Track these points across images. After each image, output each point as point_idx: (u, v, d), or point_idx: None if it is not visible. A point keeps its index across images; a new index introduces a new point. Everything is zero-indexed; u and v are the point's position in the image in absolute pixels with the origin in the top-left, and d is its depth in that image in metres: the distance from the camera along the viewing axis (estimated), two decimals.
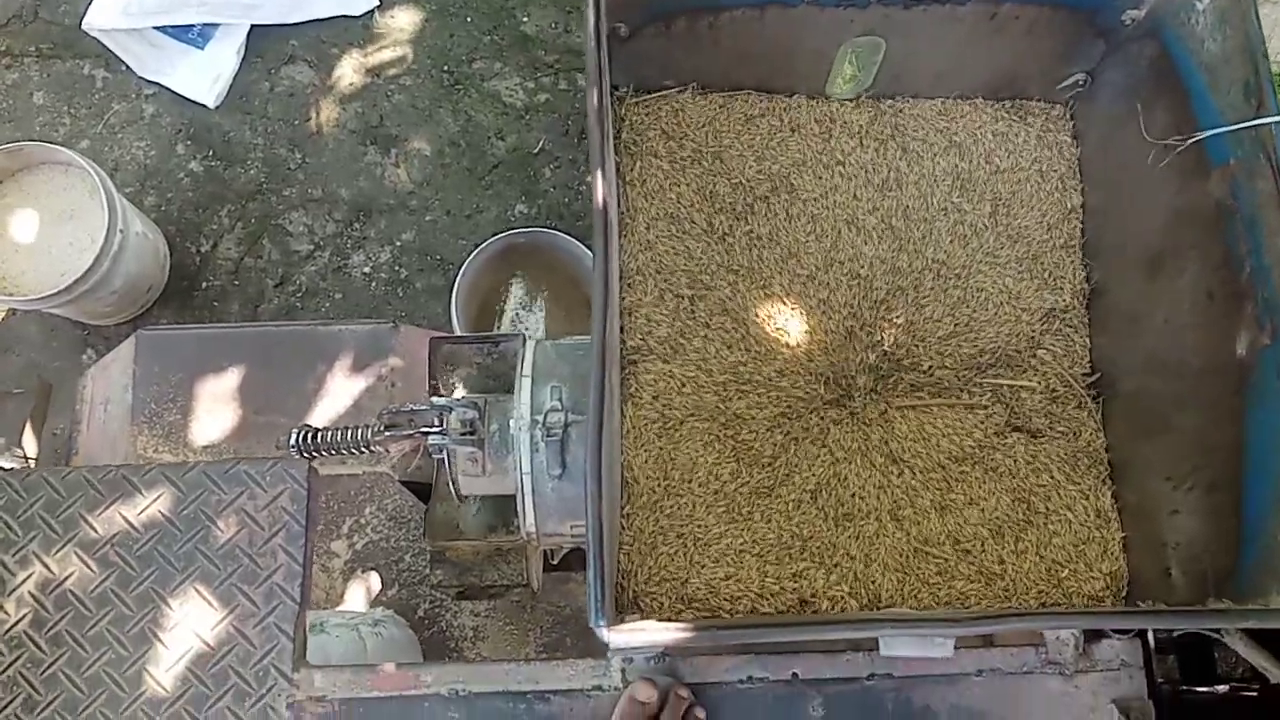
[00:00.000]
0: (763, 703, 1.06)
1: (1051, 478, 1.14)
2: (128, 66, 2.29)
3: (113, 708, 1.06)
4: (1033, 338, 1.20)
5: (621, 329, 1.16)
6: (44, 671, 1.07)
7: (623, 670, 1.06)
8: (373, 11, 2.34)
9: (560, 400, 1.04)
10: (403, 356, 1.56)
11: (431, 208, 2.24)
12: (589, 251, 1.93)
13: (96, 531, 1.12)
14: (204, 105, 2.27)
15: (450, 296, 1.94)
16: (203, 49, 2.28)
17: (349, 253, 2.22)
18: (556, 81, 2.32)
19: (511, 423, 1.04)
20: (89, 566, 1.11)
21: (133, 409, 1.52)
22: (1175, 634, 1.06)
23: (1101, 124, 1.22)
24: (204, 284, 2.21)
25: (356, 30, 2.34)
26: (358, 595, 1.52)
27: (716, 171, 1.22)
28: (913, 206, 1.22)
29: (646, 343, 1.16)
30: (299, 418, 1.52)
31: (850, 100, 1.26)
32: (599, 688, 1.06)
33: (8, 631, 1.09)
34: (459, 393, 1.11)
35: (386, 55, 2.33)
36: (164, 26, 2.26)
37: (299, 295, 2.20)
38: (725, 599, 1.07)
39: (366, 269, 2.22)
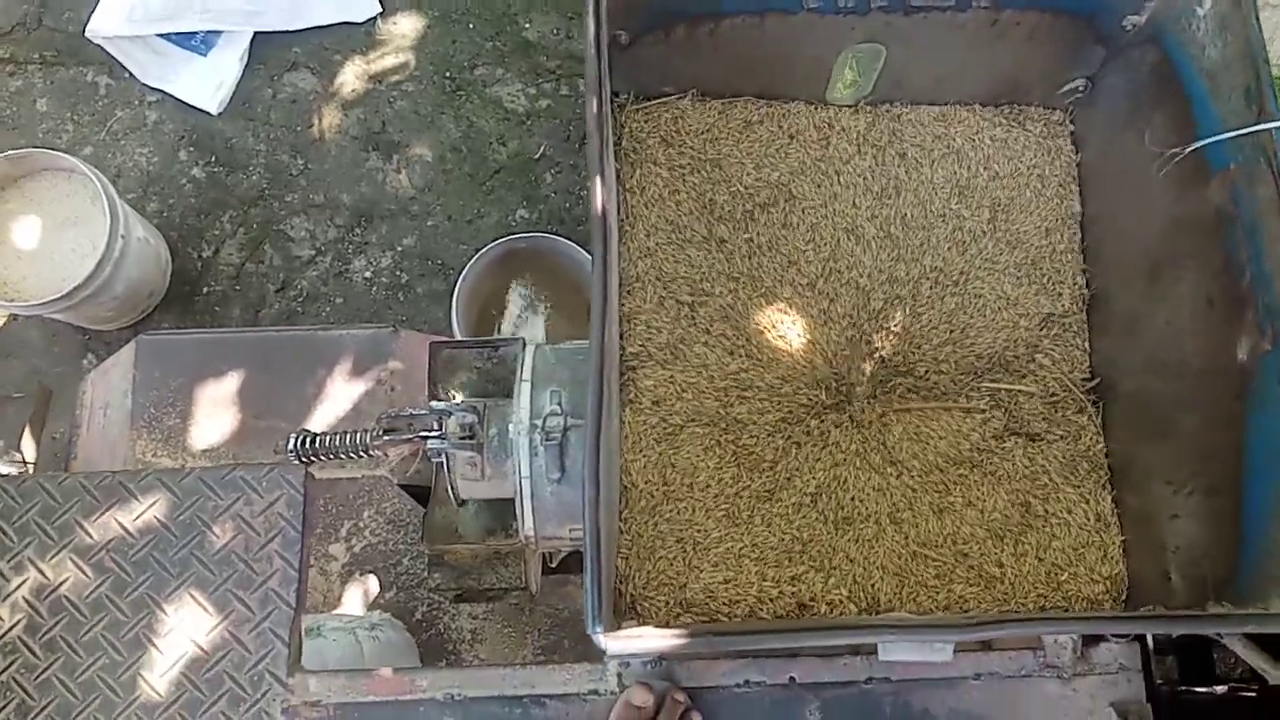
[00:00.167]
0: (760, 707, 1.05)
1: (1051, 481, 1.14)
2: (131, 73, 2.30)
3: (107, 713, 1.06)
4: (1032, 343, 1.19)
5: (621, 335, 1.15)
6: (38, 677, 1.07)
7: (619, 674, 1.05)
8: (375, 18, 2.35)
9: (560, 405, 1.04)
10: (403, 361, 1.56)
11: (433, 213, 2.25)
12: (590, 256, 1.93)
13: (92, 537, 1.12)
14: (207, 112, 2.28)
15: (451, 301, 1.94)
16: (206, 56, 2.29)
17: (350, 258, 2.23)
18: (558, 87, 2.33)
19: (511, 427, 1.03)
20: (84, 572, 1.11)
21: (132, 414, 1.52)
22: (1174, 635, 1.05)
23: (1102, 130, 1.22)
24: (205, 289, 2.21)
25: (359, 37, 2.35)
26: (355, 598, 1.52)
27: (716, 179, 1.22)
28: (911, 214, 1.22)
29: (646, 349, 1.15)
30: (299, 422, 1.52)
31: (850, 106, 1.26)
32: (595, 692, 1.06)
33: (2, 637, 1.08)
34: (458, 397, 1.11)
35: (389, 62, 2.34)
36: (167, 34, 2.26)
37: (300, 300, 2.20)
38: (723, 603, 1.07)
39: (368, 274, 2.22)
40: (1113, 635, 1.05)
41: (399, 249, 2.23)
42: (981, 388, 1.18)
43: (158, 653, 1.08)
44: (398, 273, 2.21)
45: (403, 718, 1.05)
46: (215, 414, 1.52)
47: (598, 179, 0.95)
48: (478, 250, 1.99)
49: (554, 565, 1.37)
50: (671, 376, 1.14)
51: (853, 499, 1.13)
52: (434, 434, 1.03)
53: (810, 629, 0.99)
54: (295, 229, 2.24)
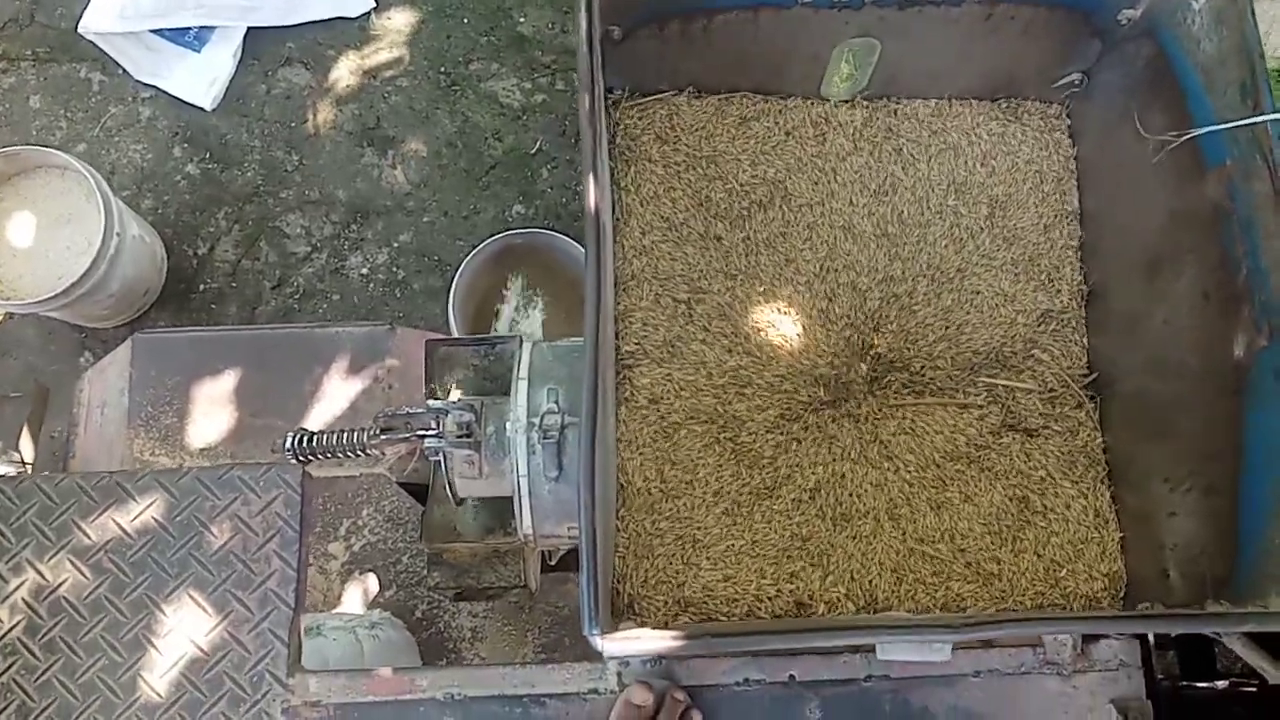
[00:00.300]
0: (760, 705, 1.06)
1: (1048, 476, 1.14)
2: (124, 70, 2.29)
3: (107, 714, 1.06)
4: (1029, 339, 1.19)
5: (617, 333, 1.15)
6: (38, 678, 1.07)
7: (619, 673, 1.06)
8: (369, 13, 2.34)
9: (557, 402, 1.04)
10: (399, 358, 1.56)
11: (429, 209, 2.24)
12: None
13: (90, 538, 1.12)
14: (201, 108, 2.27)
15: (448, 298, 1.94)
16: (199, 52, 2.28)
17: (346, 254, 2.22)
18: (553, 82, 2.32)
19: (508, 425, 1.03)
20: (82, 573, 1.11)
21: (129, 412, 1.52)
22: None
23: (1098, 124, 1.22)
24: (201, 286, 2.21)
25: (353, 32, 2.34)
26: (355, 597, 1.52)
27: (712, 176, 1.22)
28: (908, 211, 1.22)
29: (643, 346, 1.15)
30: (296, 420, 1.52)
31: (846, 102, 1.25)
32: (595, 691, 1.06)
33: (1, 639, 1.08)
34: (455, 395, 1.10)
35: (383, 57, 2.33)
36: (160, 30, 2.26)
37: (296, 297, 2.20)
38: (722, 601, 1.07)
39: (364, 270, 2.21)
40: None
41: (395, 245, 2.22)
42: (978, 383, 1.18)
43: (157, 653, 1.08)
44: (394, 269, 2.21)
45: (403, 717, 1.05)
46: (212, 412, 1.52)
47: (591, 177, 0.95)
48: (474, 246, 1.99)
49: (553, 563, 1.37)
50: (669, 374, 1.14)
51: (851, 495, 1.13)
52: (431, 433, 1.03)
53: (808, 630, 0.99)
54: (291, 225, 2.24)
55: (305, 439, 1.12)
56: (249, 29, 2.30)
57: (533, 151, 2.28)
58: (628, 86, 1.23)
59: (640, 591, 1.07)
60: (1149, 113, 1.11)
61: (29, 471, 1.52)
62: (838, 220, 1.21)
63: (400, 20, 2.35)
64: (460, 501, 1.10)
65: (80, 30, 2.24)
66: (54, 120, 2.29)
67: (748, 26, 1.14)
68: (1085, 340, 1.21)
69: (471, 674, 1.07)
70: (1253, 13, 0.99)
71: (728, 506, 1.11)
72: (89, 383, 1.61)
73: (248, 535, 1.13)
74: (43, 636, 1.09)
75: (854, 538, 1.11)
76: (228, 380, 1.55)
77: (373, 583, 1.53)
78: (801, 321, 1.18)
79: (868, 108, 1.26)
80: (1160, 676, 1.13)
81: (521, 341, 1.11)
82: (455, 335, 1.93)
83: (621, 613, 1.06)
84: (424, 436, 1.03)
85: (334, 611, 1.49)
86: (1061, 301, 1.21)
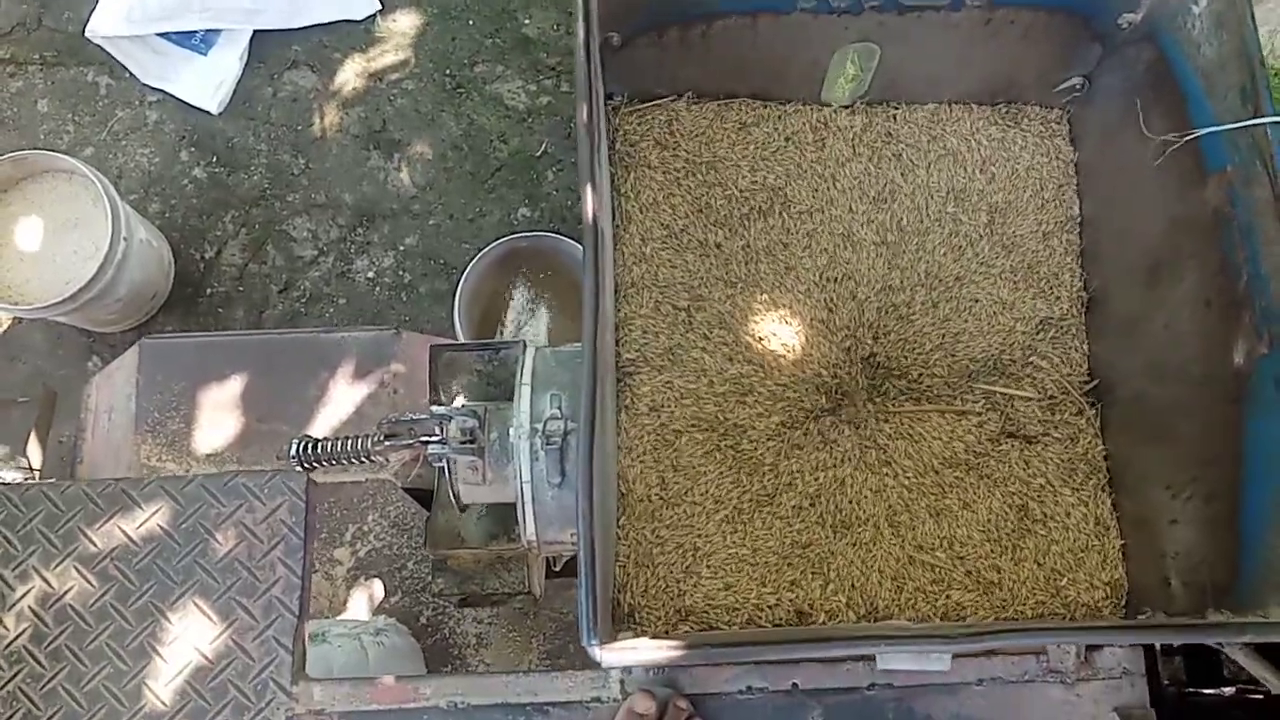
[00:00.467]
0: (762, 713, 1.06)
1: (1048, 483, 1.14)
2: (131, 73, 2.30)
3: None
4: (1028, 346, 1.19)
5: (617, 341, 1.15)
6: (44, 686, 1.08)
7: (621, 682, 1.06)
8: (374, 16, 2.34)
9: (560, 408, 1.04)
10: (404, 363, 1.57)
11: (434, 212, 2.25)
12: None
13: (96, 545, 1.13)
14: (207, 111, 2.28)
15: (454, 301, 1.94)
16: (206, 55, 2.28)
17: (353, 258, 2.23)
18: (559, 84, 2.32)
19: (511, 431, 1.03)
20: (88, 581, 1.11)
21: (136, 418, 1.53)
22: None
23: (1098, 128, 1.21)
24: (208, 290, 2.22)
25: (358, 34, 2.34)
26: (360, 603, 1.52)
27: (711, 182, 1.22)
28: (908, 219, 1.22)
29: (643, 354, 1.15)
30: (301, 425, 1.53)
31: (846, 107, 1.25)
32: (598, 699, 1.06)
33: (7, 647, 1.09)
34: (459, 400, 1.10)
35: (388, 59, 2.33)
36: (167, 33, 2.26)
37: (303, 301, 2.21)
38: (723, 610, 1.07)
39: (370, 274, 2.22)
40: None
41: (401, 248, 2.23)
42: (976, 390, 1.17)
43: (162, 661, 1.09)
44: (400, 272, 2.22)
45: None
46: (218, 418, 1.53)
47: (589, 186, 0.95)
48: (480, 250, 1.99)
49: (558, 568, 1.37)
50: (669, 382, 1.15)
51: (851, 501, 1.13)
52: (435, 439, 1.03)
53: (807, 640, 0.99)
54: (297, 229, 2.24)
55: (310, 446, 1.12)
56: (255, 32, 2.30)
57: (538, 154, 2.28)
58: (627, 92, 1.23)
59: (640, 601, 1.07)
60: (1150, 117, 1.10)
61: (36, 477, 1.53)
62: (837, 228, 1.21)
63: (405, 23, 2.35)
64: (464, 507, 1.11)
65: (87, 34, 2.25)
66: (61, 124, 2.30)
67: (747, 33, 1.14)
68: (1085, 347, 1.20)
69: (475, 682, 1.07)
70: (1253, 17, 0.99)
71: (728, 514, 1.11)
72: (96, 388, 1.62)
73: (252, 542, 1.13)
74: (49, 644, 1.09)
75: (854, 545, 1.11)
76: (234, 385, 1.55)
77: (378, 588, 1.54)
78: (803, 331, 1.18)
79: (867, 113, 1.25)
80: (1166, 682, 1.12)
81: (525, 347, 1.11)
82: (461, 339, 1.93)
83: (621, 622, 1.06)
84: (428, 443, 1.03)
85: (339, 618, 1.50)
86: (1061, 308, 1.20)
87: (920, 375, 1.18)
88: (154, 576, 1.12)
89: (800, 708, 1.05)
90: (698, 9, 1.12)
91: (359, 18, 2.33)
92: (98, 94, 2.32)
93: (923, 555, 1.10)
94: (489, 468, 1.04)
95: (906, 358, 1.18)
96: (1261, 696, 1.13)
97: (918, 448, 1.15)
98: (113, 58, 2.29)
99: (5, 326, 2.20)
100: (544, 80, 2.32)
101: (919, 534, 1.11)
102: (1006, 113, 1.25)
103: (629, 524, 1.09)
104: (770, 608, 1.07)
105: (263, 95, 2.31)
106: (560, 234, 2.01)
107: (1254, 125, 0.97)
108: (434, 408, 1.08)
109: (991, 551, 1.11)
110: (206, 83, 2.28)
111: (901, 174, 1.23)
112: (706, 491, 1.12)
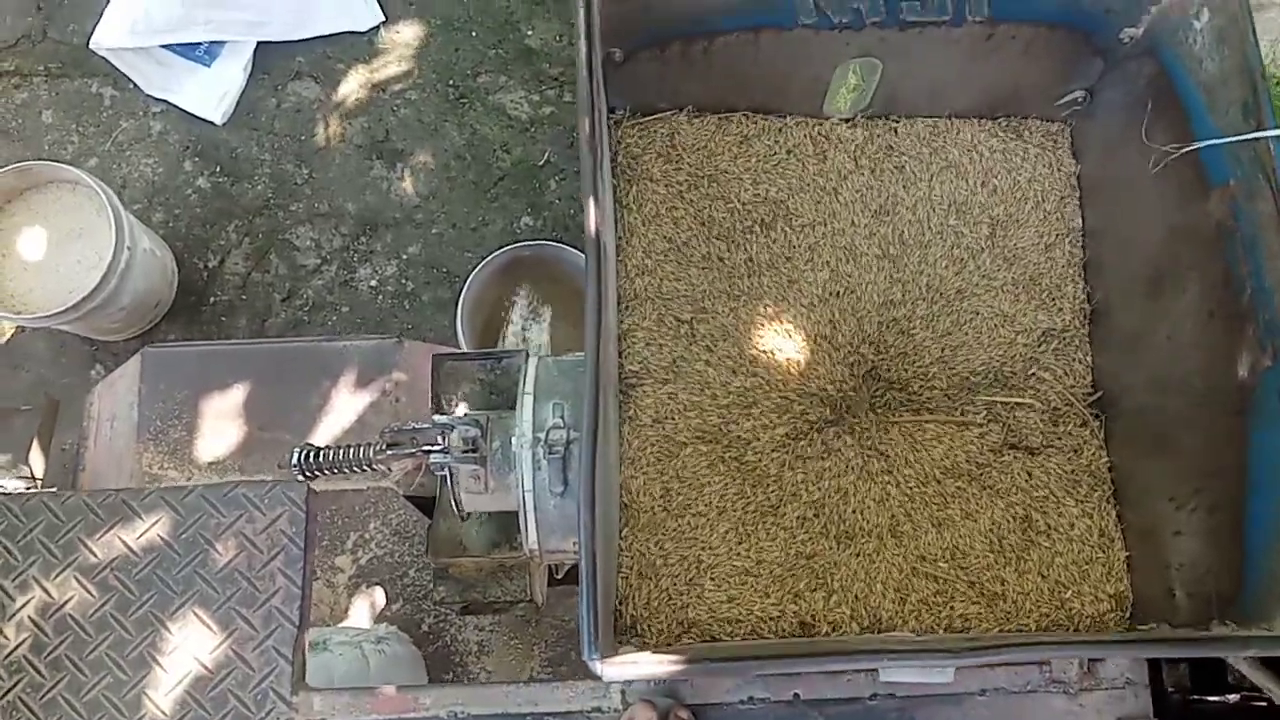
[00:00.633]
0: None
1: (1051, 494, 1.14)
2: (135, 85, 2.30)
3: None
4: (1030, 358, 1.19)
5: (620, 353, 1.15)
6: (44, 696, 1.08)
7: (623, 692, 1.06)
8: (378, 27, 2.35)
9: (562, 417, 1.04)
10: (407, 372, 1.57)
11: (437, 221, 2.25)
12: None
13: (96, 556, 1.13)
14: (211, 122, 2.28)
15: (456, 310, 1.95)
16: (210, 66, 2.29)
17: (356, 266, 2.23)
18: (561, 94, 2.32)
19: (514, 440, 1.03)
20: (88, 591, 1.11)
21: (138, 426, 1.53)
22: None
23: (1100, 141, 1.22)
24: (212, 299, 2.22)
25: (362, 46, 2.35)
26: (362, 610, 1.52)
27: (714, 195, 1.22)
28: (909, 232, 1.22)
29: (647, 366, 1.15)
30: (304, 434, 1.53)
31: (847, 120, 1.25)
32: (598, 709, 1.06)
33: (8, 656, 1.09)
34: (462, 409, 1.11)
35: (392, 70, 2.34)
36: (171, 45, 2.27)
37: (306, 309, 2.21)
38: (725, 622, 1.07)
39: (373, 283, 2.22)
40: None
41: (404, 257, 2.23)
42: (977, 401, 1.17)
43: (162, 671, 1.09)
44: (403, 281, 2.22)
45: None
46: (220, 426, 1.53)
47: (591, 200, 0.95)
48: (482, 258, 1.99)
49: (560, 576, 1.37)
50: (673, 394, 1.14)
51: (854, 511, 1.13)
52: (437, 448, 1.03)
53: (810, 654, 0.99)
54: (300, 238, 2.24)
55: (312, 455, 1.12)
56: (259, 43, 2.31)
57: (541, 163, 2.28)
58: (629, 106, 1.23)
59: (643, 613, 1.07)
60: (1152, 131, 1.10)
61: (38, 485, 1.53)
62: (839, 241, 1.21)
63: (409, 34, 2.36)
64: (466, 516, 1.11)
65: (92, 46, 2.26)
66: (66, 135, 2.30)
67: (748, 48, 1.15)
68: (1089, 358, 1.20)
69: (475, 692, 1.07)
70: (1254, 32, 0.99)
71: (732, 525, 1.11)
72: (99, 396, 1.62)
73: (252, 553, 1.13)
74: (49, 654, 1.09)
75: (857, 555, 1.11)
76: (236, 394, 1.55)
77: (380, 596, 1.54)
78: (806, 346, 1.18)
79: (869, 126, 1.26)
80: (1171, 689, 1.12)
81: (527, 356, 1.11)
82: (463, 347, 1.93)
83: (624, 633, 1.06)
84: (430, 451, 1.03)
85: (340, 625, 1.50)
86: (1063, 320, 1.20)
87: (921, 388, 1.18)
88: (154, 587, 1.12)
89: (802, 718, 1.05)
90: (700, 26, 1.13)
91: (362, 29, 2.34)
92: (102, 105, 2.32)
93: (926, 566, 1.10)
94: (491, 476, 1.04)
95: (908, 371, 1.18)
96: (1266, 704, 1.12)
97: (919, 455, 1.15)
98: (117, 69, 2.30)
99: (9, 335, 2.20)
100: (547, 90, 2.32)
101: (922, 544, 1.11)
102: (1008, 126, 1.26)
103: (632, 536, 1.09)
104: (774, 620, 1.07)
105: (266, 106, 2.32)
106: (563, 243, 2.01)
107: (1256, 139, 0.97)
108: (436, 416, 1.08)
109: (995, 563, 1.10)
110: (210, 94, 2.29)
111: (903, 187, 1.23)
112: (710, 503, 1.11)
